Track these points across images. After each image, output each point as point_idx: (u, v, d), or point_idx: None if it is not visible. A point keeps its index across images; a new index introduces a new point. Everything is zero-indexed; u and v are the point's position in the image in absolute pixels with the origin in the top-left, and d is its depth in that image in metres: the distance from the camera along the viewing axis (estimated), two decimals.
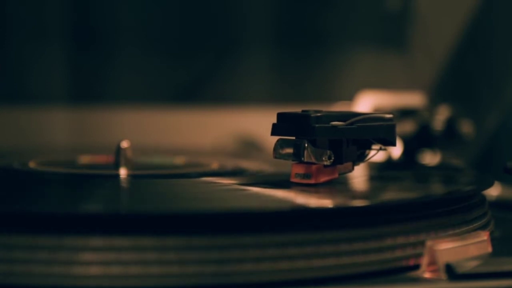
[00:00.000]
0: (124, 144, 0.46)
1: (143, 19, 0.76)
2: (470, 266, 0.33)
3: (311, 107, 0.41)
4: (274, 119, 0.39)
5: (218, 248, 0.31)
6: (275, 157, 0.39)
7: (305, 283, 0.31)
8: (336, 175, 0.40)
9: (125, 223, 0.31)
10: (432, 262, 0.33)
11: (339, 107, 0.69)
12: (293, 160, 0.39)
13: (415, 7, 0.78)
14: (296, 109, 0.40)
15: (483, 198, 0.42)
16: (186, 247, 0.30)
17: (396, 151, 0.59)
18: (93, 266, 0.30)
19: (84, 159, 0.53)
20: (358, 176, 0.44)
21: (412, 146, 0.60)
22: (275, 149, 0.39)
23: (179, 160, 0.54)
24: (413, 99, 0.65)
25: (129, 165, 0.46)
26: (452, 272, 0.32)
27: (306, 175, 0.38)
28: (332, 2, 0.77)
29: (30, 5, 0.72)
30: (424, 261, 0.33)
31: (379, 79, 0.77)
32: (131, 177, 0.44)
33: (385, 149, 0.41)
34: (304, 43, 0.78)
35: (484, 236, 0.36)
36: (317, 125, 0.38)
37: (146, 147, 0.60)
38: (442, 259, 0.33)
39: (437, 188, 0.45)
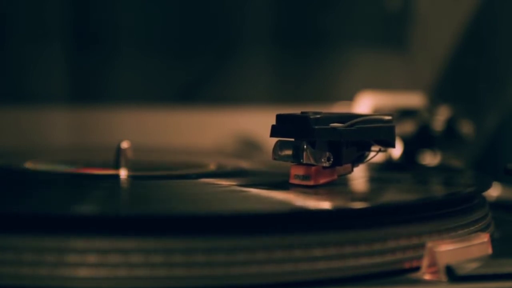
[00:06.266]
0: (124, 144, 0.46)
1: (143, 19, 0.75)
2: (471, 267, 0.33)
3: (311, 108, 0.41)
4: (274, 120, 0.39)
5: (216, 250, 0.31)
6: (274, 159, 0.39)
7: (304, 285, 0.31)
8: (335, 177, 0.40)
9: (122, 224, 0.31)
10: (432, 264, 0.33)
11: (339, 107, 0.69)
12: (292, 162, 0.39)
13: (415, 7, 0.78)
14: (296, 109, 0.40)
15: (484, 199, 0.42)
16: (183, 249, 0.30)
17: (396, 151, 0.59)
18: (90, 268, 0.30)
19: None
20: (358, 178, 0.44)
21: (412, 146, 0.60)
22: (274, 150, 0.39)
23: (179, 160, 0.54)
24: (413, 99, 0.65)
25: (129, 166, 0.46)
26: (452, 274, 0.32)
27: (305, 177, 0.38)
28: (332, 2, 0.77)
29: (30, 5, 0.72)
30: (424, 262, 0.33)
31: (379, 79, 0.77)
32: (131, 178, 0.44)
33: (384, 151, 0.41)
34: (304, 43, 0.78)
35: (485, 237, 0.36)
36: (316, 127, 0.38)
37: (146, 147, 0.60)
38: (442, 261, 0.33)
39: (437, 190, 0.45)
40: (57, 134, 0.72)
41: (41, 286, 0.30)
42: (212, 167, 0.49)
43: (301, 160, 0.38)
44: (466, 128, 0.61)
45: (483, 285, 0.32)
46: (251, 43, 0.76)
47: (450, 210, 0.37)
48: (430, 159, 0.60)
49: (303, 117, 0.38)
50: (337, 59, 0.77)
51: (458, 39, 0.72)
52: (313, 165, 0.38)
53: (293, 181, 0.39)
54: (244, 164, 0.51)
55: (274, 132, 0.39)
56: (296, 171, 0.39)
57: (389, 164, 0.56)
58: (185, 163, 0.52)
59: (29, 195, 0.38)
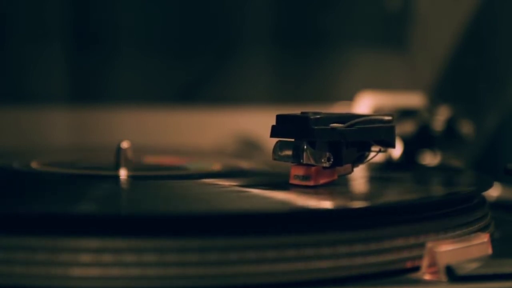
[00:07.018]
0: (125, 144, 0.46)
1: (143, 19, 0.75)
2: (471, 268, 0.33)
3: (311, 108, 0.41)
4: (274, 120, 0.39)
5: (217, 250, 0.31)
6: (274, 159, 0.39)
7: (303, 285, 0.31)
8: (335, 177, 0.40)
9: (122, 225, 0.31)
10: (433, 264, 0.33)
11: (339, 107, 0.69)
12: (292, 162, 0.39)
13: (415, 7, 0.78)
14: (296, 109, 0.40)
15: (484, 199, 0.42)
16: (184, 249, 0.30)
17: (396, 151, 0.59)
18: (90, 268, 0.30)
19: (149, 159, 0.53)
20: (358, 178, 0.44)
21: (412, 146, 0.60)
22: (274, 151, 0.39)
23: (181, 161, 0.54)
24: (413, 99, 0.65)
25: (129, 166, 0.46)
26: (452, 274, 0.32)
27: (305, 177, 0.38)
28: (332, 2, 0.77)
29: (30, 5, 0.72)
30: (425, 262, 0.33)
31: (379, 79, 0.77)
32: (131, 178, 0.44)
33: (384, 151, 0.41)
34: (304, 43, 0.78)
35: (485, 238, 0.36)
36: (316, 127, 0.38)
37: (146, 147, 0.60)
38: (443, 261, 0.33)
39: (437, 190, 0.45)
40: (57, 134, 0.72)
41: (42, 286, 0.30)
42: (212, 167, 0.49)
43: (301, 161, 0.38)
44: (466, 128, 0.61)
45: (483, 285, 0.32)
46: (251, 43, 0.76)
47: (450, 210, 0.37)
48: (430, 159, 0.60)
49: (303, 117, 0.38)
50: (337, 59, 0.77)
51: (458, 39, 0.72)
52: (313, 165, 0.38)
53: (293, 181, 0.39)
54: (244, 164, 0.51)
55: (274, 132, 0.39)
56: (296, 171, 0.39)
57: (389, 164, 0.56)
58: (185, 163, 0.52)
59: (29, 195, 0.38)
